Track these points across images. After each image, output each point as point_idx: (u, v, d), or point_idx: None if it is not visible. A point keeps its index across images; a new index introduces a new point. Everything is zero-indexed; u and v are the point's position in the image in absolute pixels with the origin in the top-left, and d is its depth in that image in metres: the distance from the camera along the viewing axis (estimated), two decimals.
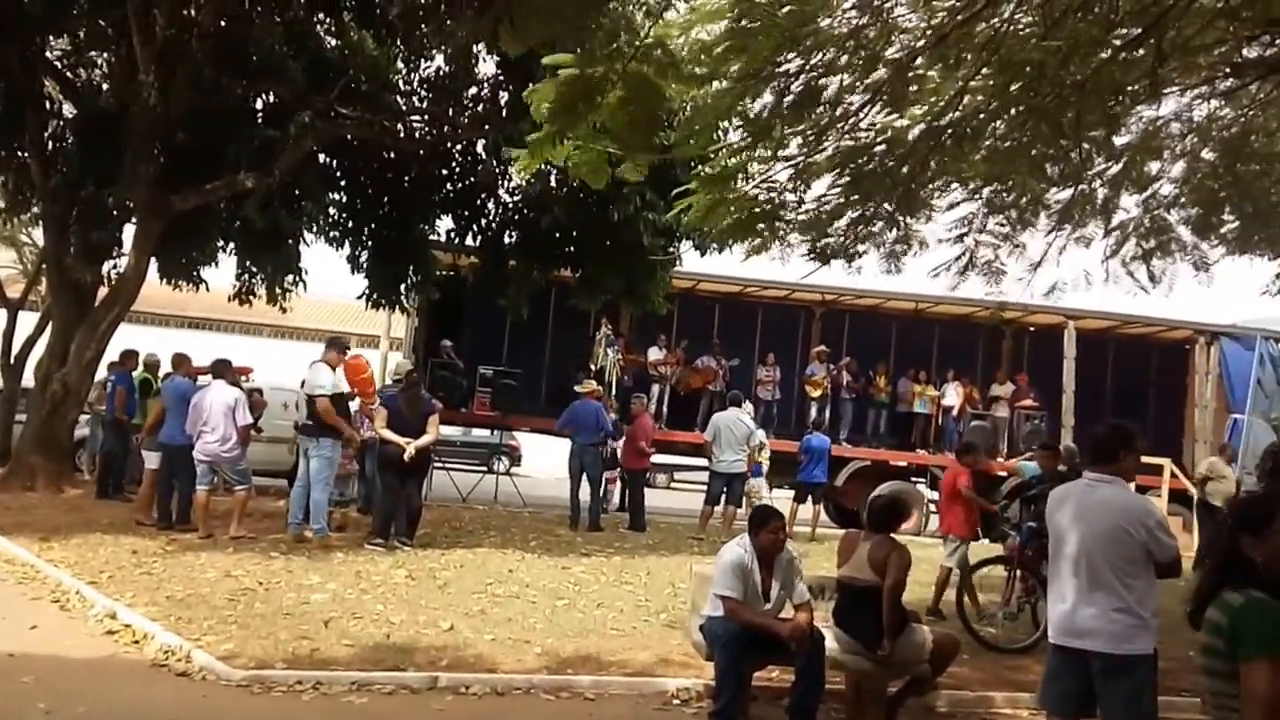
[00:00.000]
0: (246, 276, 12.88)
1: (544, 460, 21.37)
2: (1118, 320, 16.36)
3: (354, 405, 9.96)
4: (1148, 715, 3.89)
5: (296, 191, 11.60)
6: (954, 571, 8.26)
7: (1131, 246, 7.98)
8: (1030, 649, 6.83)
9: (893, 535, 5.60)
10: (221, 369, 9.46)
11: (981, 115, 5.65)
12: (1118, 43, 4.99)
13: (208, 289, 13.01)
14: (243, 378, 11.24)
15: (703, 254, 11.11)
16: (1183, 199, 7.78)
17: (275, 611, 6.45)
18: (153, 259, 11.68)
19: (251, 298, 13.05)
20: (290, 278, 12.43)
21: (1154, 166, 7.52)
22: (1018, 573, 7.60)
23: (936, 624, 7.30)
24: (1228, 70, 6.44)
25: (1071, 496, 4.13)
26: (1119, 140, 7.00)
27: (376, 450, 9.39)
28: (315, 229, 12.06)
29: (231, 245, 12.64)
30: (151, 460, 9.75)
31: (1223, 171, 7.44)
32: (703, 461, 12.90)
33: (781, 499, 12.88)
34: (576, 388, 11.97)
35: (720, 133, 5.79)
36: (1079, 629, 3.90)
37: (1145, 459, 14.10)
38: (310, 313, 25.59)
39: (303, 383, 9.40)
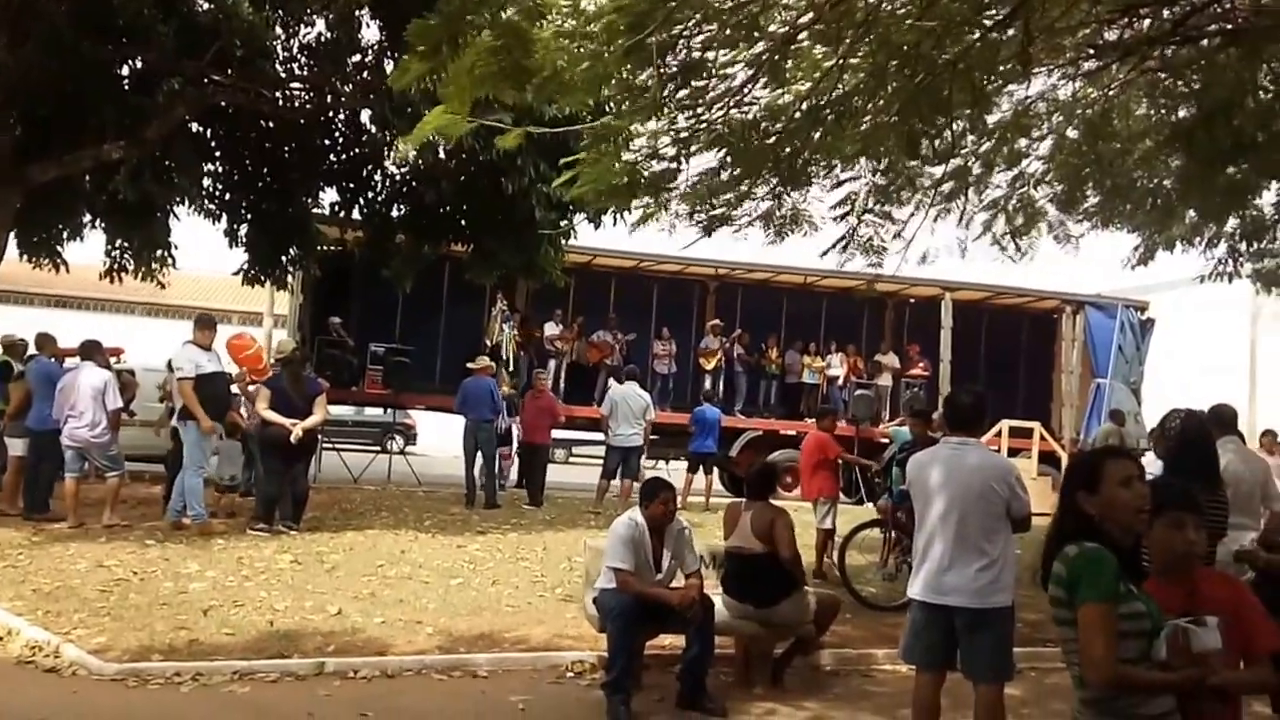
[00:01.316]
0: (116, 252, 12.22)
1: (441, 438, 21.12)
2: (991, 291, 17.13)
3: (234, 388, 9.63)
4: (1007, 663, 4.16)
5: (168, 162, 11.04)
6: (831, 533, 8.61)
7: (1002, 222, 8.33)
8: (908, 606, 7.15)
9: (771, 501, 5.80)
10: (90, 350, 9.04)
11: (861, 92, 5.80)
12: (988, 23, 5.18)
13: (67, 270, 12.29)
14: (114, 359, 10.73)
15: (596, 227, 11.06)
16: (1049, 175, 8.16)
17: (151, 602, 6.21)
18: (11, 234, 10.96)
19: (122, 274, 12.40)
20: (160, 253, 11.84)
21: (1023, 144, 7.84)
22: (893, 534, 7.92)
23: (822, 585, 7.58)
24: (1091, 51, 6.75)
25: (938, 460, 4.32)
26: (990, 118, 7.28)
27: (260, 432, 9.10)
28: (189, 201, 11.50)
29: (99, 219, 11.96)
30: (16, 447, 9.27)
31: (1086, 149, 7.82)
32: (600, 436, 12.97)
33: (678, 470, 13.11)
34: (469, 364, 11.86)
35: (607, 101, 5.78)
36: (944, 586, 4.11)
37: (1016, 422, 14.88)
38: (187, 290, 24.52)
39: (169, 363, 9.06)
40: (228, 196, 11.83)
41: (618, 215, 9.67)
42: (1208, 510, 2.90)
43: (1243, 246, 9.88)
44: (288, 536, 8.32)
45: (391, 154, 10.75)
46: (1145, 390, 16.88)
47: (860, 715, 5.18)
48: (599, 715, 4.87)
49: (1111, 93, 7.50)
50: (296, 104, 11.46)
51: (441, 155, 10.38)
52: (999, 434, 14.82)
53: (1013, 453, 14.84)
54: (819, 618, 5.87)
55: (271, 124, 11.50)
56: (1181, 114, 7.40)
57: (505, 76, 4.53)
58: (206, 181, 11.69)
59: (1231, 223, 9.47)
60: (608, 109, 6.31)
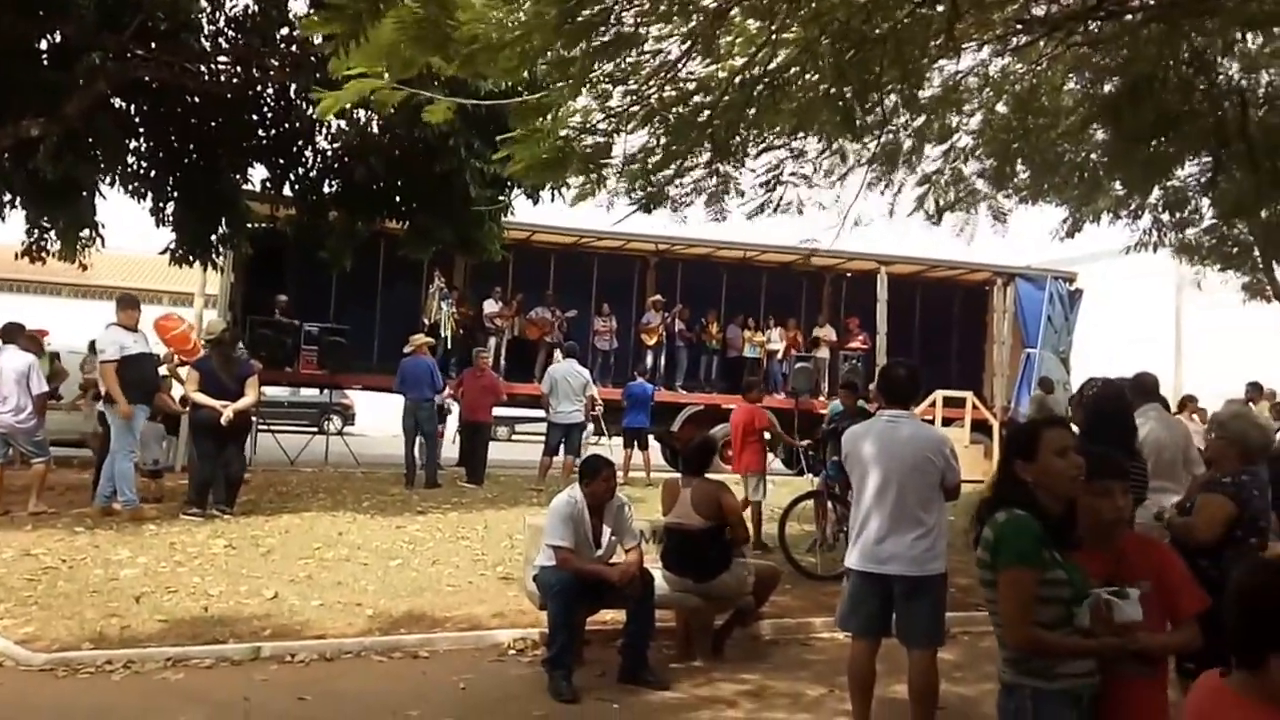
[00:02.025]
0: (38, 232, 11.78)
1: (381, 418, 20.88)
2: (925, 265, 17.38)
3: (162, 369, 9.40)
4: (940, 629, 4.29)
5: (90, 139, 10.65)
6: (763, 503, 8.77)
7: (934, 197, 8.45)
8: (845, 575, 7.30)
9: (709, 476, 5.86)
10: (13, 333, 8.75)
11: (794, 68, 5.82)
12: None
13: None
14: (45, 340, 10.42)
15: (535, 203, 10.96)
16: (979, 150, 8.29)
17: (81, 590, 6.07)
18: None
19: (44, 255, 11.97)
20: (86, 232, 11.45)
21: (954, 120, 7.95)
22: (830, 505, 8.06)
23: (761, 556, 7.69)
24: (1019, 26, 6.85)
25: (873, 433, 4.39)
26: (922, 93, 7.36)
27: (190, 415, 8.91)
28: (112, 179, 11.12)
29: (18, 198, 11.51)
30: None
31: (1015, 124, 7.95)
32: (543, 413, 12.91)
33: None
34: (406, 349, 11.73)
35: (543, 78, 5.70)
36: (883, 555, 4.19)
37: (950, 392, 15.22)
38: (114, 270, 23.74)
39: (91, 344, 8.81)
40: (153, 174, 11.45)
41: (556, 191, 9.60)
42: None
43: (1166, 217, 10.19)
44: (222, 521, 8.18)
45: (315, 118, 10.48)
46: (1074, 360, 17.34)
47: (799, 685, 5.25)
48: (541, 692, 4.89)
49: (1039, 68, 7.63)
50: (223, 78, 11.11)
51: (374, 130, 10.18)
52: (933, 404, 15.11)
53: (946, 422, 15.14)
54: (758, 589, 5.96)
55: (197, 99, 11.14)
56: (1107, 89, 7.56)
57: (428, 45, 4.43)
58: (130, 159, 11.30)
59: (1155, 194, 9.75)
60: (543, 84, 6.23)
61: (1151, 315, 23.16)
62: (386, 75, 4.71)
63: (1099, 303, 18.87)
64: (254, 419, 9.82)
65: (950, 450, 4.36)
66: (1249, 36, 7.71)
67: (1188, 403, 12.49)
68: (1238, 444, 3.92)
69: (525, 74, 6.11)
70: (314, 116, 10.61)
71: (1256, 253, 11.08)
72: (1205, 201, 10.03)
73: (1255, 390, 11.60)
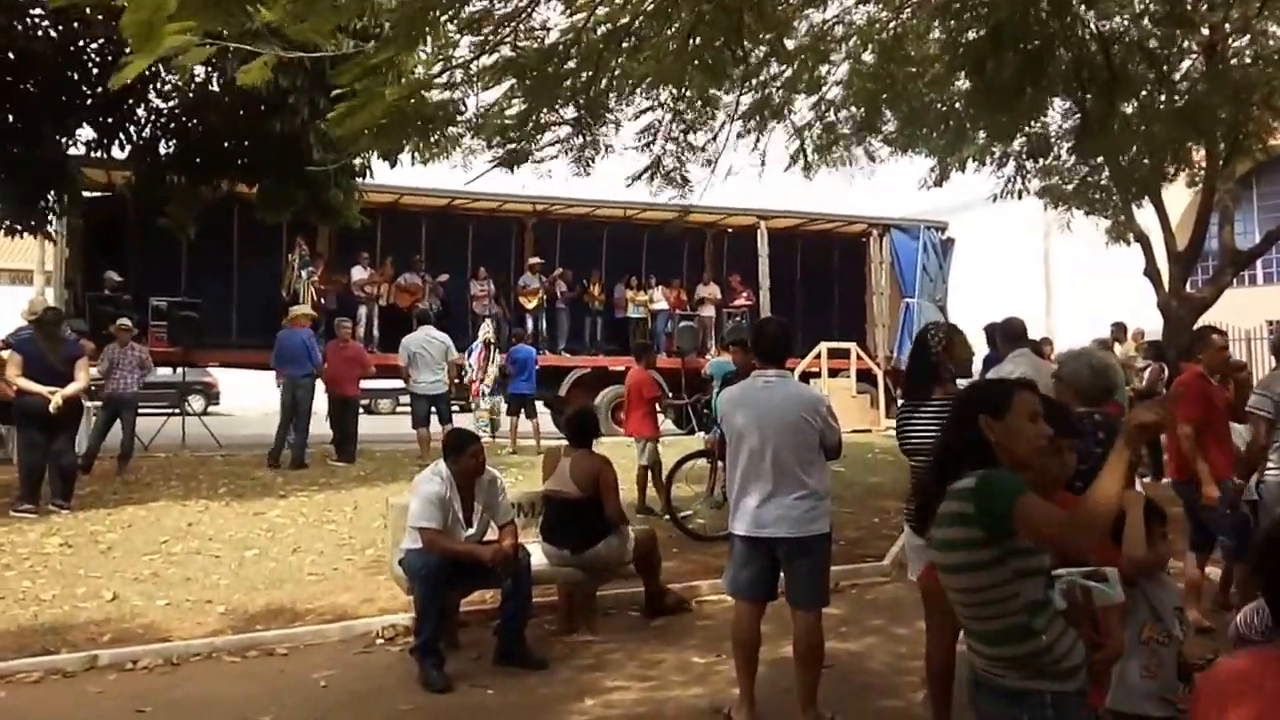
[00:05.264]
0: None
1: (250, 397, 19.93)
2: (804, 218, 17.47)
3: None
4: (825, 589, 4.22)
5: None
6: (650, 468, 8.60)
7: (809, 149, 8.34)
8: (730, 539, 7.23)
9: (592, 449, 5.63)
10: None
11: (657, 17, 5.53)
12: None
13: None
14: None
15: (392, 166, 10.33)
16: (849, 101, 8.19)
17: None
18: None
19: None
20: None
21: (823, 69, 7.81)
22: (719, 464, 7.93)
23: (646, 521, 7.54)
24: None
25: (750, 394, 4.25)
26: (790, 43, 7.18)
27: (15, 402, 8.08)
28: None
29: None
30: None
31: (882, 73, 7.88)
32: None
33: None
34: (285, 320, 11.04)
35: (372, 25, 5.22)
36: (767, 519, 4.08)
37: (834, 344, 15.37)
38: None
39: None
40: None
41: (415, 153, 9.06)
42: None
43: (1029, 164, 10.38)
44: (58, 517, 7.53)
45: (113, 78, 9.60)
46: (951, 307, 17.76)
47: (687, 653, 5.08)
48: (410, 683, 4.61)
49: (904, 16, 7.54)
50: (41, 33, 10.07)
51: (214, 86, 9.40)
52: (818, 356, 15.27)
53: (832, 373, 15.36)
54: (646, 556, 5.77)
55: (11, 55, 10.08)
56: (970, 36, 7.52)
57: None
58: None
59: (1019, 141, 9.89)
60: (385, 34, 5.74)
61: (1022, 261, 23.93)
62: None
63: (972, 251, 19.36)
64: (86, 404, 8.97)
65: (828, 409, 4.22)
66: None
67: (1044, 344, 12.83)
68: (1072, 386, 3.89)
69: (363, 22, 5.63)
70: (147, 72, 9.76)
71: (1116, 196, 11.42)
72: (1066, 147, 10.26)
73: (1119, 330, 11.98)
